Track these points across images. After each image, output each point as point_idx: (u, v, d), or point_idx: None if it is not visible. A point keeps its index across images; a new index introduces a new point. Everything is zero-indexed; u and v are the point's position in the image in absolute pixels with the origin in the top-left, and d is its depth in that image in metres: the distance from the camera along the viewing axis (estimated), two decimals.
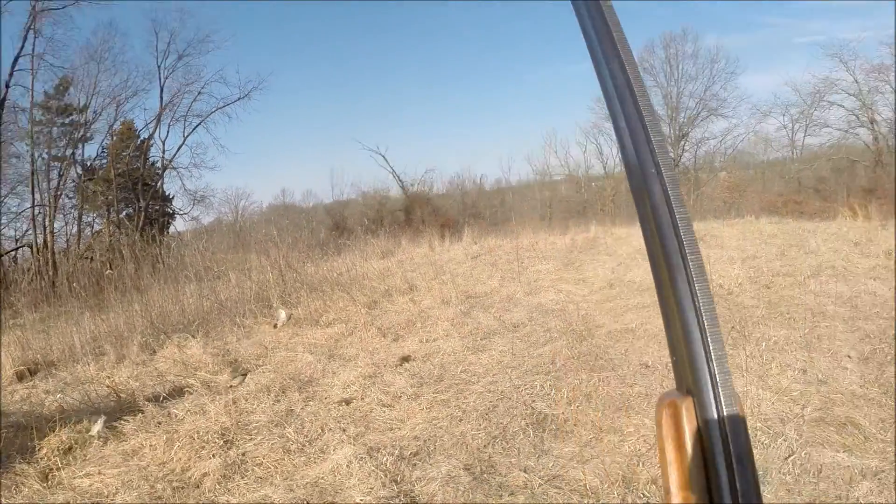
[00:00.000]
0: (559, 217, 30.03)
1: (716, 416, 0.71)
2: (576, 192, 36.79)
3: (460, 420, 5.29)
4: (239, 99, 28.81)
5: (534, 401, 5.56)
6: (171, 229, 27.59)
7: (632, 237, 15.53)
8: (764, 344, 6.50)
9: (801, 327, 7.03)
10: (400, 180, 35.80)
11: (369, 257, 15.49)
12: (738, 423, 0.71)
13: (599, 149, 37.16)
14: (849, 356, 6.14)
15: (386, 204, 34.95)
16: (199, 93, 28.00)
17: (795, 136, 33.73)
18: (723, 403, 0.71)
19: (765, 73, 54.49)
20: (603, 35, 0.84)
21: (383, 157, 35.37)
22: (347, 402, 5.95)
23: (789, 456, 4.16)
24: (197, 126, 28.25)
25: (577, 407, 5.28)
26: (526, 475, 4.22)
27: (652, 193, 0.77)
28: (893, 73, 25.44)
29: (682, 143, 33.30)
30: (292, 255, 13.36)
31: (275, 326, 6.82)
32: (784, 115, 33.16)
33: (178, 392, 6.43)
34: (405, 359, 7.21)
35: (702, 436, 0.72)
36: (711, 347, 0.72)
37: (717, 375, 0.72)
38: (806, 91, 31.28)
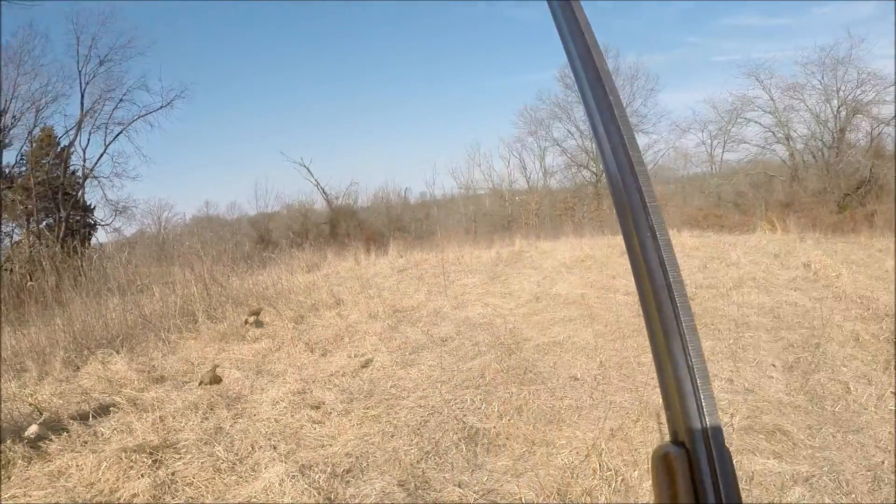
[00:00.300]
0: (484, 231, 30.32)
1: (708, 468, 0.74)
2: (500, 206, 37.23)
3: (392, 436, 5.35)
4: (161, 107, 28.20)
5: (465, 415, 5.67)
6: (93, 241, 26.63)
7: (556, 251, 15.88)
8: None
9: (726, 338, 7.39)
10: (324, 193, 35.73)
11: (295, 271, 15.29)
12: (730, 476, 0.75)
13: (522, 163, 37.96)
14: (773, 365, 6.50)
15: (311, 216, 34.82)
16: (121, 100, 27.24)
17: (714, 152, 35.33)
18: (715, 456, 0.75)
19: (684, 91, 56.74)
20: (576, 35, 0.91)
21: (307, 168, 35.23)
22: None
23: None
24: (118, 134, 27.43)
25: (509, 420, 5.41)
26: (461, 490, 4.32)
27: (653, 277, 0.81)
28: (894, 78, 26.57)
29: None
30: (217, 269, 13.12)
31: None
32: (703, 131, 34.83)
33: (103, 410, 6.29)
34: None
35: (696, 487, 0.75)
36: (703, 402, 0.76)
37: (710, 430, 0.76)
38: (724, 108, 32.93)
